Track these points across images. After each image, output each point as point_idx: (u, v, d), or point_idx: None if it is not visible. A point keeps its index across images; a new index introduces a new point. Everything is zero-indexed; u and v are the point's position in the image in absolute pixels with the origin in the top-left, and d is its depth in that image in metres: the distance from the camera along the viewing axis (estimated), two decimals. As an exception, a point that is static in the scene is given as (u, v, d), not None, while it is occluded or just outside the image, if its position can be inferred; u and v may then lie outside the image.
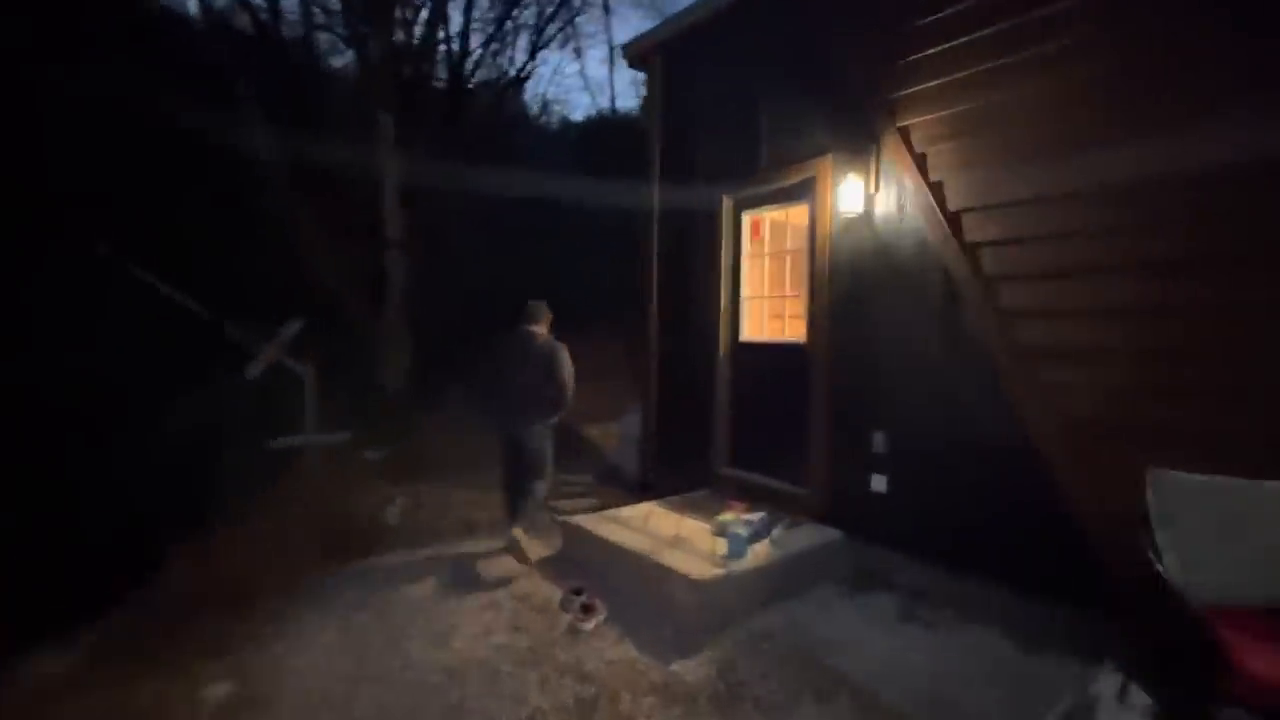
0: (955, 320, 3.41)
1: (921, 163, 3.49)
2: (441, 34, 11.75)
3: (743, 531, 3.51)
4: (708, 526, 3.94)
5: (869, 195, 3.77)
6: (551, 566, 4.04)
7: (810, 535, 3.84)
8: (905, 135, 3.54)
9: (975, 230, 3.31)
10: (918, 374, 3.58)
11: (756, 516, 3.82)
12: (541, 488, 4.25)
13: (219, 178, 7.70)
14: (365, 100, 8.87)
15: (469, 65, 12.56)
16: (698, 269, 5.06)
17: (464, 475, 6.25)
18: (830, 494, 4.03)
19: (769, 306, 4.88)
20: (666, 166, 5.35)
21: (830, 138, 4.00)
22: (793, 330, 4.78)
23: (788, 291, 4.69)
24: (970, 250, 3.31)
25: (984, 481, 3.30)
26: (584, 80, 25.00)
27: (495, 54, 13.54)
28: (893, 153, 3.62)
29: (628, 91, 22.56)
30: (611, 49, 21.89)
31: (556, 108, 21.53)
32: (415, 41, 10.92)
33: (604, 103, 22.71)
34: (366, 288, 8.07)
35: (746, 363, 4.73)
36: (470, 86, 12.94)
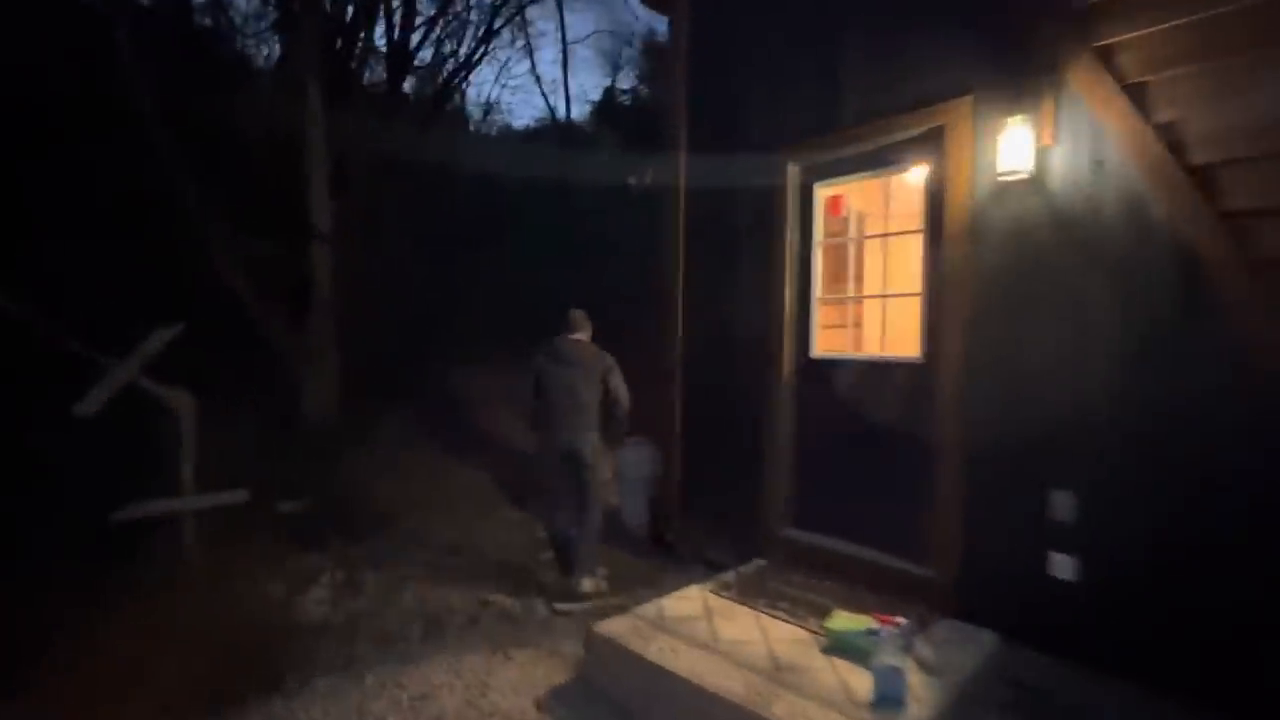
0: (1202, 327, 2.28)
1: (1138, 96, 2.37)
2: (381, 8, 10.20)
3: (894, 660, 2.23)
4: (811, 635, 2.65)
5: (1039, 149, 2.62)
6: (568, 706, 2.63)
7: (961, 646, 2.60)
8: (1107, 58, 2.41)
9: (1241, 191, 2.20)
10: (1131, 407, 2.43)
11: (889, 622, 2.55)
12: (599, 519, 3.76)
13: (83, 145, 5.89)
14: (289, 65, 7.23)
15: (412, 42, 11.02)
16: (743, 265, 3.81)
17: (416, 532, 4.73)
18: (970, 575, 2.82)
19: (853, 314, 3.66)
20: (696, 134, 4.09)
21: (968, 71, 2.85)
22: (895, 342, 3.57)
23: (888, 290, 3.47)
24: (1234, 222, 2.20)
25: (1266, 576, 2.17)
26: (536, 79, 23.39)
27: (440, 40, 12.10)
28: (1084, 85, 2.49)
29: (580, 97, 21.40)
30: (565, 47, 20.76)
31: (500, 115, 20.11)
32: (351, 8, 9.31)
33: (558, 105, 21.41)
34: (284, 291, 6.39)
35: (819, 386, 3.49)
36: (414, 68, 11.39)
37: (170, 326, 3.42)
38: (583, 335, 3.79)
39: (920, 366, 3.08)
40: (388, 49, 10.68)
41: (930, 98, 2.96)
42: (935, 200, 2.99)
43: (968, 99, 2.84)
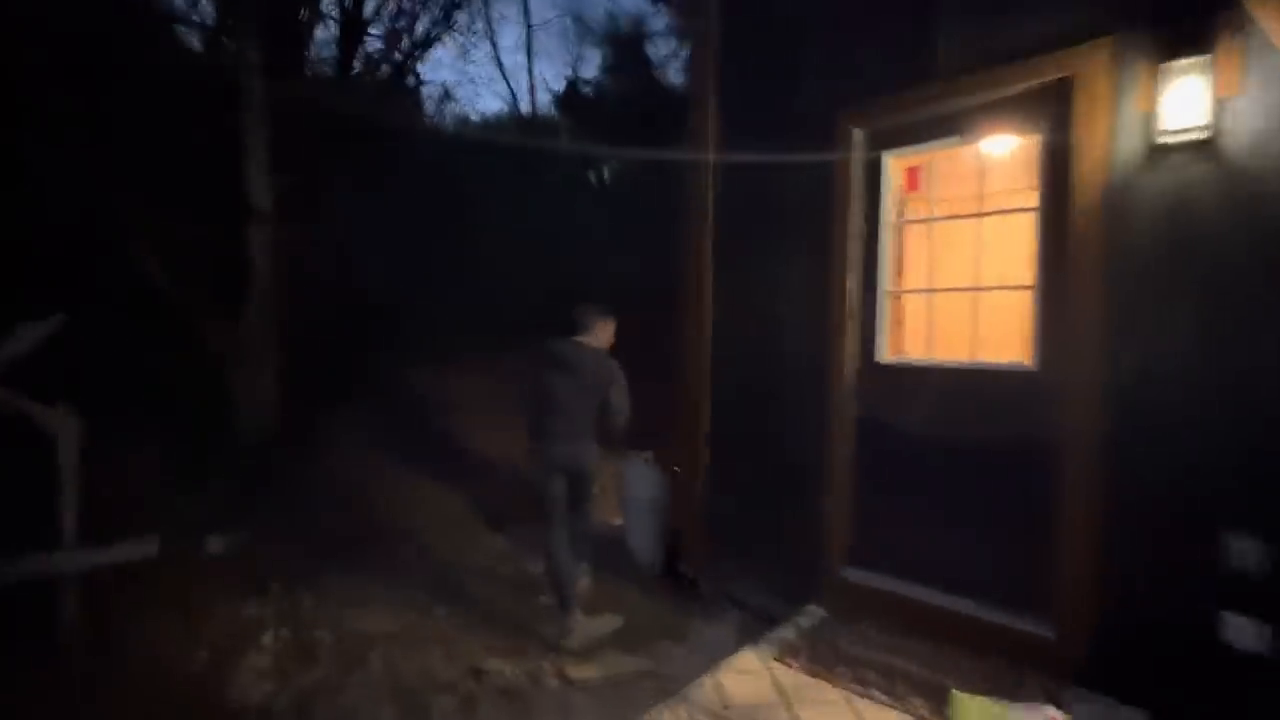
0: None
1: (1364, 31, 1.84)
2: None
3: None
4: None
5: (1218, 102, 2.07)
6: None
7: (1120, 735, 2.03)
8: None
9: None
10: (1347, 431, 1.90)
11: (1035, 712, 1.95)
12: (593, 542, 3.55)
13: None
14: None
15: (366, 10, 9.99)
16: (790, 253, 3.17)
17: (380, 570, 3.92)
18: (1109, 639, 2.26)
19: (935, 308, 3.04)
20: (729, 101, 3.42)
21: (1106, 8, 2.28)
22: (988, 346, 2.98)
23: (981, 283, 2.87)
24: None
25: None
26: (498, 65, 22.11)
27: (397, 14, 11.08)
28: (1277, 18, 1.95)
29: (541, 86, 20.44)
30: (529, 28, 19.84)
31: (457, 104, 18.97)
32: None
33: (521, 93, 20.32)
34: (214, 279, 5.40)
35: (890, 397, 2.88)
36: (368, 36, 10.36)
37: (44, 320, 2.50)
38: (592, 338, 3.34)
39: (1033, 376, 2.50)
40: (340, 15, 9.64)
41: (1051, 42, 2.38)
42: (1056, 171, 2.41)
43: (1105, 43, 2.26)
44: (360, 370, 7.24)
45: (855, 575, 2.94)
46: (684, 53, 19.62)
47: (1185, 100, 2.08)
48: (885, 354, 2.93)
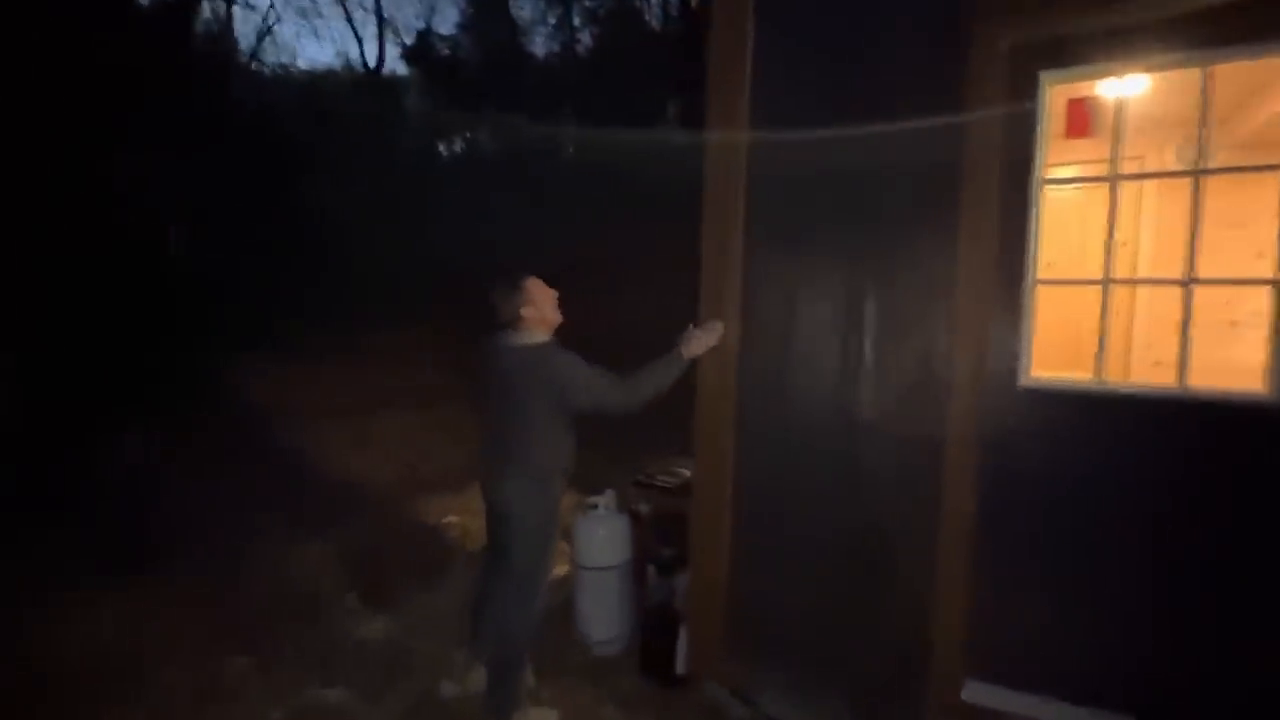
0: None
1: None
2: None
3: None
4: None
5: None
6: None
7: None
8: None
9: None
10: None
11: None
12: (531, 625, 2.37)
13: None
14: None
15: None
16: (872, 221, 2.15)
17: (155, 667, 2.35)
18: None
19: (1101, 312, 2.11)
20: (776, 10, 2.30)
21: None
22: (1213, 365, 2.04)
23: (1193, 274, 1.97)
24: None
25: None
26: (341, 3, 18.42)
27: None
28: None
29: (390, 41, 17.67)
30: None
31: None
32: None
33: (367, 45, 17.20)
34: None
35: (1040, 435, 1.98)
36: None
37: None
38: (524, 324, 2.37)
39: (1272, 410, 1.72)
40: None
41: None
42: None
43: None
44: (148, 371, 5.17)
45: (981, 694, 2.02)
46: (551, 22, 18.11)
47: None
48: (1030, 373, 2.01)
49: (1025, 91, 1.96)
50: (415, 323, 7.52)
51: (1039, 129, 1.96)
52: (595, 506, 2.94)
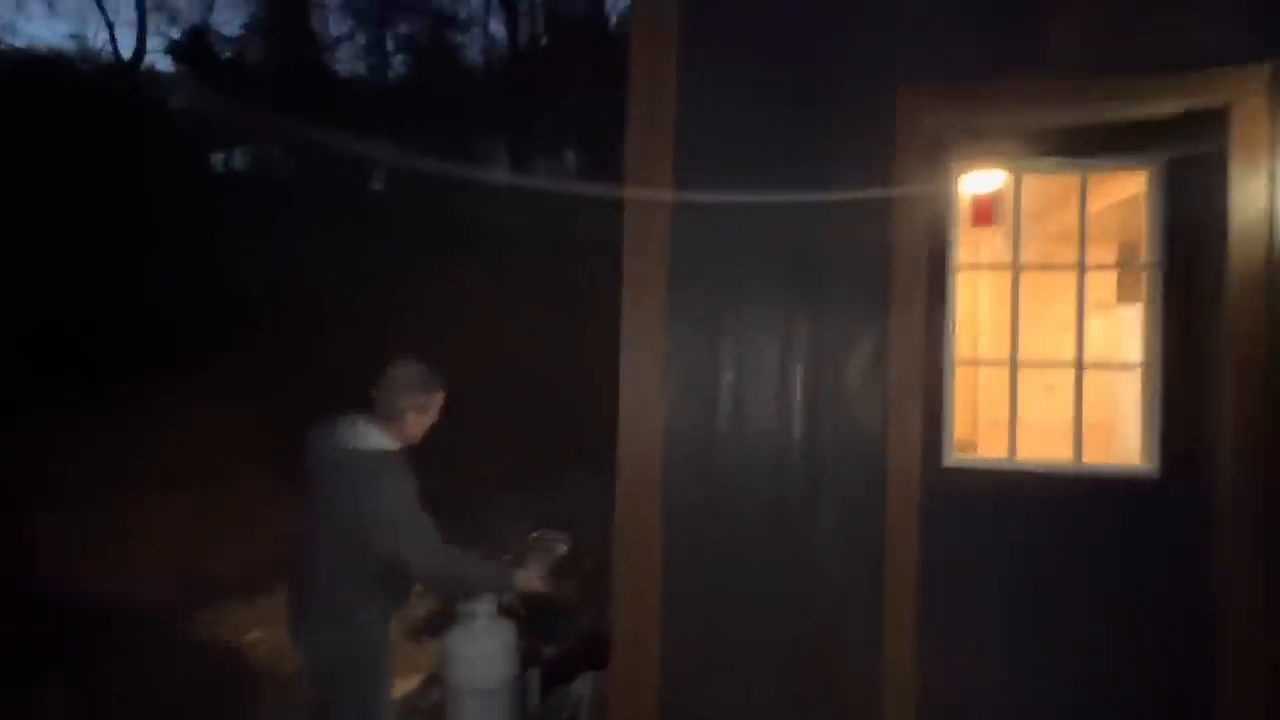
0: None
1: None
2: None
3: None
4: None
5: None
6: None
7: None
8: None
9: None
10: None
11: None
12: None
13: None
14: None
15: None
16: (801, 297, 2.06)
17: None
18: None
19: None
20: (698, 51, 2.15)
21: (1256, 27, 1.83)
22: (1057, 442, 2.20)
23: (1082, 359, 2.11)
24: None
25: None
26: None
27: None
28: None
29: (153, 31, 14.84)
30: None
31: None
32: None
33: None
34: None
35: (963, 517, 2.00)
36: None
37: None
38: (382, 421, 1.94)
39: (1155, 485, 1.91)
40: None
41: (1200, 58, 1.85)
42: (1191, 221, 1.89)
43: (1264, 71, 1.82)
44: None
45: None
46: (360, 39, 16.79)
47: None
48: (952, 454, 2.04)
49: (941, 178, 2.03)
50: (190, 369, 6.11)
51: (951, 215, 2.04)
52: (473, 614, 2.45)
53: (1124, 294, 2.87)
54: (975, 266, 2.53)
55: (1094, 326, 2.34)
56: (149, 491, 4.31)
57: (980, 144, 2.04)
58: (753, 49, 2.10)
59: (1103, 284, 2.63)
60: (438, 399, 2.03)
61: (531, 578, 2.23)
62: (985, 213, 2.38)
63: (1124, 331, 2.75)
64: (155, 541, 3.81)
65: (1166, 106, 1.89)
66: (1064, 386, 2.08)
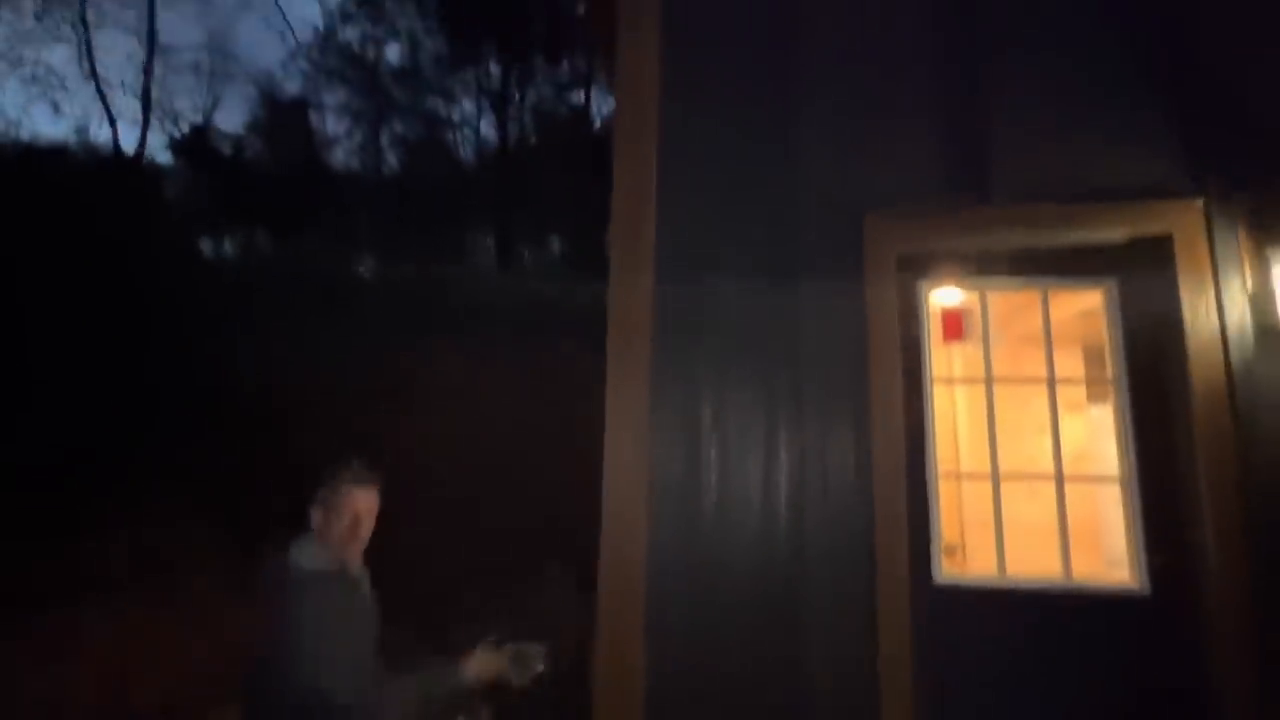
0: None
1: None
2: None
3: None
4: None
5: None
6: None
7: None
8: None
9: None
10: None
11: None
12: None
13: None
14: None
15: None
16: (789, 410, 2.09)
17: None
18: None
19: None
20: (675, 177, 2.29)
21: (1189, 163, 2.00)
22: (1039, 557, 2.14)
23: (1061, 472, 2.13)
24: None
25: None
26: (92, 73, 15.45)
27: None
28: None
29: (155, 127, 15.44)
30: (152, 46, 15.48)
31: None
32: None
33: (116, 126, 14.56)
34: None
35: (957, 636, 1.96)
36: None
37: None
38: (322, 541, 1.72)
39: (1144, 603, 1.89)
40: None
41: (1142, 190, 2.01)
42: (1151, 336, 1.99)
43: (1195, 206, 1.97)
44: None
45: None
46: (357, 136, 17.56)
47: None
48: (943, 571, 2.02)
49: (910, 297, 2.13)
50: (153, 465, 5.91)
51: (924, 331, 2.13)
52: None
53: (1094, 394, 2.96)
54: (950, 381, 2.60)
55: (1069, 426, 2.37)
56: (92, 595, 4.07)
57: (944, 265, 2.15)
58: (731, 159, 2.25)
59: (1073, 389, 2.69)
60: (364, 500, 1.74)
61: (485, 662, 1.79)
62: (955, 327, 2.48)
63: (1098, 432, 2.80)
64: (91, 655, 3.53)
65: (1114, 233, 2.03)
66: (1047, 492, 2.10)
